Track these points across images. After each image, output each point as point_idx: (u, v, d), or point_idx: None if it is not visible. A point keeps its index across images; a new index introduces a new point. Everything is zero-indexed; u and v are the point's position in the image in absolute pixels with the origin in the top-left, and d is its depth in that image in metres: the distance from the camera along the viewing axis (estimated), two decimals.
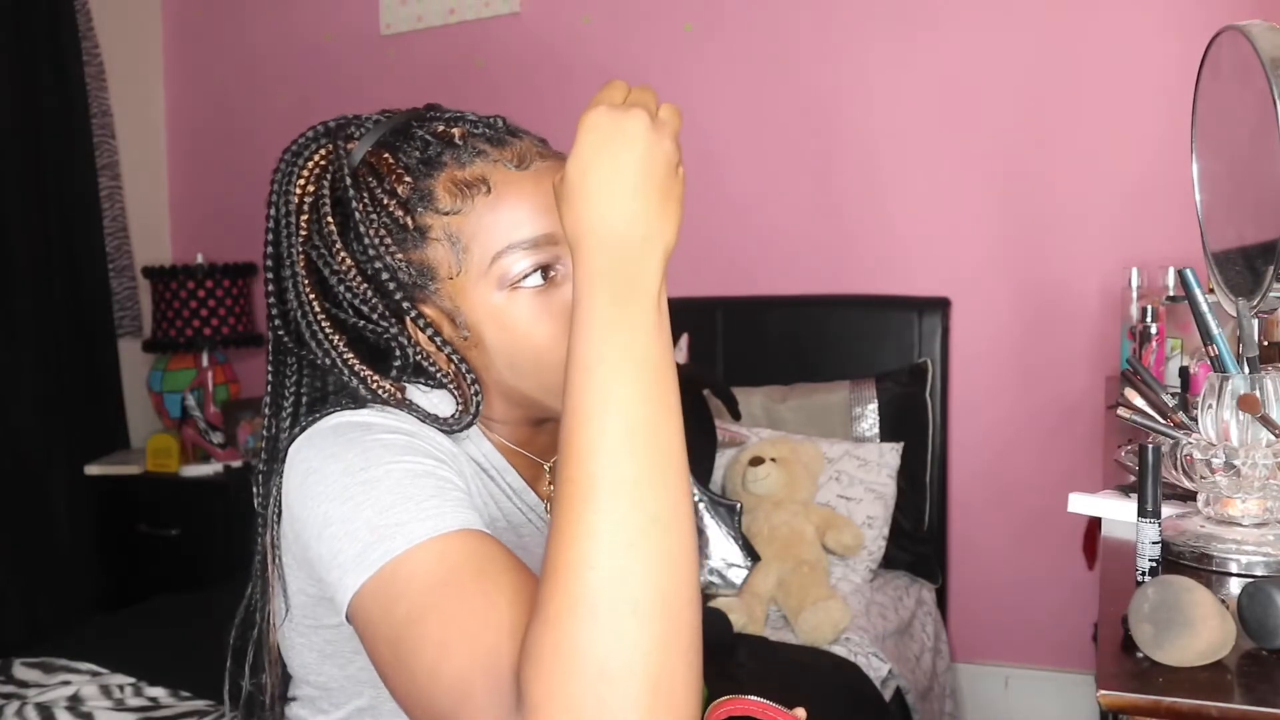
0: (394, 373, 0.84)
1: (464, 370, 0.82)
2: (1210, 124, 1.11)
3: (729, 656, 1.79)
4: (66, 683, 1.67)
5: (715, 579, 2.07)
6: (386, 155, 0.82)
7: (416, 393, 0.84)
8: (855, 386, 2.44)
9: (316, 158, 0.84)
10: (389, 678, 0.64)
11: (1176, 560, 0.97)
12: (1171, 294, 1.95)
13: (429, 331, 0.81)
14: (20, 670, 1.72)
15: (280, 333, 0.85)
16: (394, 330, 0.83)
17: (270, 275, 0.85)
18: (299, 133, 0.87)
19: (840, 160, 2.57)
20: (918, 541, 2.40)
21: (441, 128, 0.83)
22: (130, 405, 3.07)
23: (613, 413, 0.61)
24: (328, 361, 0.83)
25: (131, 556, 2.82)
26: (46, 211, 2.81)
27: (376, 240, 0.81)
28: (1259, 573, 0.92)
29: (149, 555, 2.79)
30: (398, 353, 0.84)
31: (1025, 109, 2.41)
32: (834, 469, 2.28)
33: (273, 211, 0.85)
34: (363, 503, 0.69)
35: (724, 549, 2.09)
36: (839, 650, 1.90)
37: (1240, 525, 0.97)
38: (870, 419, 2.41)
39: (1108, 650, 0.79)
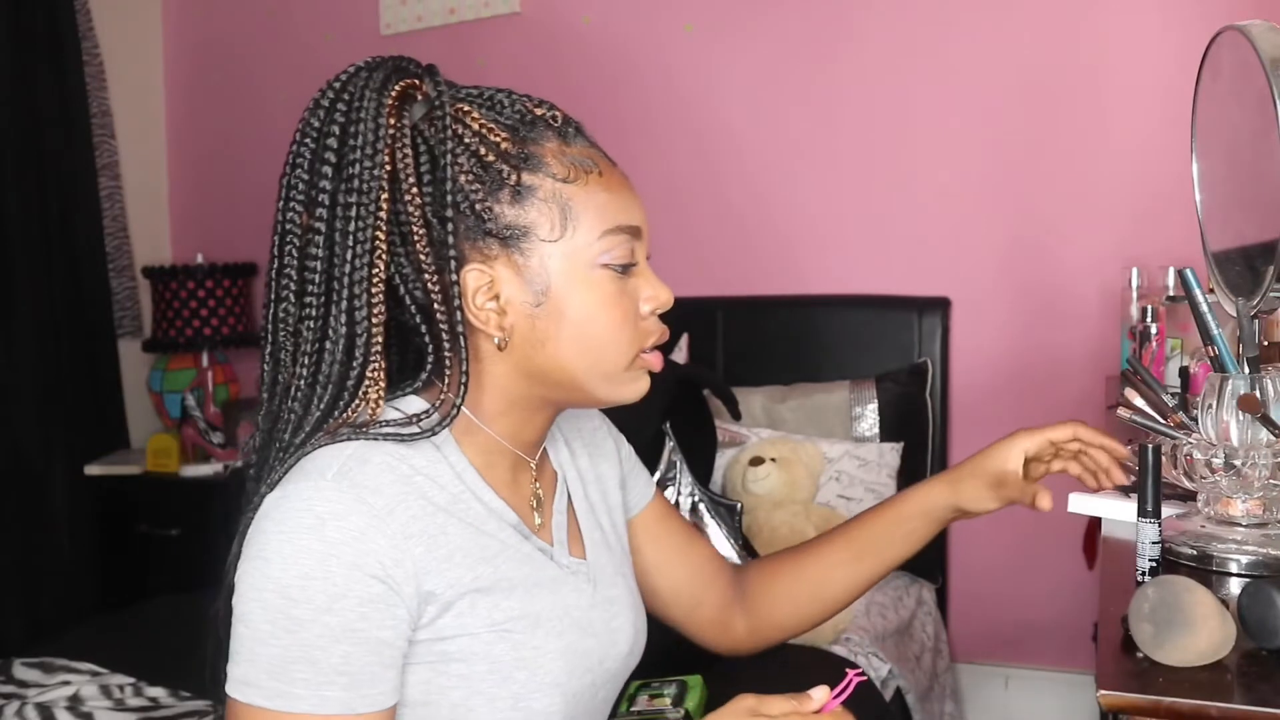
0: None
1: (464, 347, 0.82)
2: (1210, 124, 1.11)
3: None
4: (66, 683, 1.66)
5: None
6: (472, 111, 0.82)
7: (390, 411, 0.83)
8: (855, 386, 2.44)
9: (398, 88, 0.80)
10: None
11: (1176, 560, 0.97)
12: (1171, 294, 1.95)
13: (477, 288, 0.81)
14: (20, 670, 1.71)
15: (311, 296, 0.80)
16: (432, 284, 0.80)
17: (319, 217, 0.78)
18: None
19: (840, 160, 2.57)
20: None
21: (535, 106, 0.85)
22: (130, 405, 3.07)
23: None
24: (357, 315, 0.79)
25: (132, 556, 2.81)
26: (46, 212, 2.81)
27: (466, 185, 0.80)
28: (1259, 573, 0.92)
29: (149, 555, 2.78)
30: (418, 320, 0.82)
31: (1025, 109, 2.40)
32: (834, 469, 2.28)
33: (333, 143, 0.78)
34: (278, 637, 0.73)
35: (724, 549, 2.09)
36: (839, 650, 1.90)
37: (1240, 525, 0.97)
38: (870, 419, 2.41)
39: (1108, 650, 0.79)
